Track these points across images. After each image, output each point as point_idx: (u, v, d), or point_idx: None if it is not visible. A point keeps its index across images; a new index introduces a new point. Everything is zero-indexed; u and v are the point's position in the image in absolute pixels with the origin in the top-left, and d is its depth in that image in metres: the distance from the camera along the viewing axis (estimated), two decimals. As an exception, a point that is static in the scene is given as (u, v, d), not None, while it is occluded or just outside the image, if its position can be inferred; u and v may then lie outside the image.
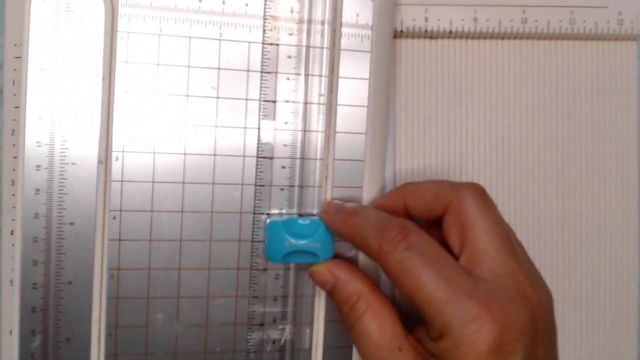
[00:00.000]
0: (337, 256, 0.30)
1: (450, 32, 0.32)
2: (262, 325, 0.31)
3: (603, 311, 0.35)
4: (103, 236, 0.29)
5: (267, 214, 0.30)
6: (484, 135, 0.34)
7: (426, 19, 0.32)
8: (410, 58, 0.33)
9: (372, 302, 0.27)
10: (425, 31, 0.32)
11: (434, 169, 0.34)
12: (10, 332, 0.29)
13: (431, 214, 0.28)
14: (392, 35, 0.32)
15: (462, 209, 0.27)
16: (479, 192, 0.27)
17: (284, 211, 0.30)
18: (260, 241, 0.30)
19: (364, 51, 0.31)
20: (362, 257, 0.31)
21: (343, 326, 0.28)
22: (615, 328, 0.35)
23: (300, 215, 0.30)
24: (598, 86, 0.34)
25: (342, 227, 0.29)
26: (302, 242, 0.29)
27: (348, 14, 0.30)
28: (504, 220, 0.27)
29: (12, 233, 0.31)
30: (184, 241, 0.30)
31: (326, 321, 0.31)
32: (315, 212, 0.31)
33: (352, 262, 0.30)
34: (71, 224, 0.29)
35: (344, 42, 0.30)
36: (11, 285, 0.30)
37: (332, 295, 0.29)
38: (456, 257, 0.26)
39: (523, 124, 0.34)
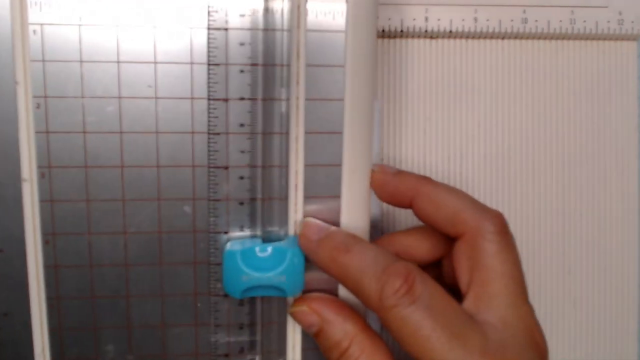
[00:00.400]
0: (309, 286, 0.26)
1: (451, 32, 0.32)
2: (227, 356, 0.27)
3: (603, 311, 0.35)
4: (36, 263, 0.25)
5: (225, 232, 0.26)
6: (484, 135, 0.33)
7: (426, 19, 0.31)
8: (410, 58, 0.32)
9: (366, 347, 0.24)
10: (426, 31, 0.32)
11: (434, 169, 0.33)
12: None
13: (440, 228, 0.25)
14: (374, 9, 0.25)
15: (479, 244, 0.24)
16: (501, 226, 0.24)
17: (246, 230, 0.26)
18: (218, 264, 0.26)
19: (337, 31, 0.25)
20: (341, 291, 0.26)
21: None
22: (615, 328, 0.35)
23: (265, 238, 0.26)
24: (598, 86, 0.34)
25: (330, 265, 0.24)
26: (264, 275, 0.25)
27: (314, -15, 0.24)
28: (519, 258, 0.25)
29: None
30: (129, 266, 0.26)
31: (303, 350, 0.27)
32: (281, 231, 0.26)
33: (338, 299, 0.26)
34: (0, 250, 0.25)
35: (311, 20, 0.24)
36: None
37: (318, 338, 0.25)
38: (462, 293, 0.24)
39: (523, 123, 0.33)
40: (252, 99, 0.25)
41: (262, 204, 0.26)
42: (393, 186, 0.25)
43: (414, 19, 0.31)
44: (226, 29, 0.24)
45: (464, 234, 0.25)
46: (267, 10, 0.24)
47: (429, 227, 0.26)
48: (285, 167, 0.25)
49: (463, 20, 0.31)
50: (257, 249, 0.25)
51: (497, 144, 0.33)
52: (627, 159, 0.34)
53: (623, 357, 0.35)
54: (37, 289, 0.26)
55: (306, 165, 0.25)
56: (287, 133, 0.25)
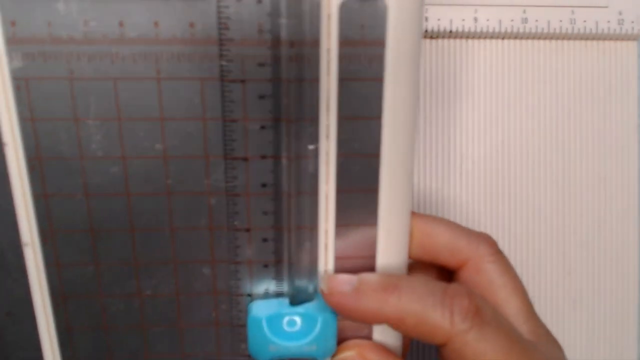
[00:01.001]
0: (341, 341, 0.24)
1: (451, 31, 0.32)
2: (253, 409, 0.26)
3: (603, 311, 0.35)
4: (48, 327, 0.24)
5: (249, 295, 0.23)
6: (484, 135, 0.33)
7: (426, 19, 0.31)
8: None
9: None
10: (426, 31, 0.32)
11: (433, 169, 0.33)
12: None
13: (439, 263, 0.25)
14: (419, 53, 0.21)
15: (485, 268, 0.24)
16: (495, 247, 0.24)
17: (270, 291, 0.23)
18: (242, 325, 0.24)
19: (373, 79, 0.21)
20: (377, 331, 0.24)
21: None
22: (615, 328, 0.35)
23: (292, 298, 0.23)
24: (598, 86, 0.34)
25: (380, 311, 0.21)
26: (292, 345, 0.23)
27: (348, 27, 0.20)
28: None
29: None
30: (146, 327, 0.24)
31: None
32: (310, 288, 0.23)
33: (380, 344, 0.24)
34: (7, 314, 0.23)
35: (344, 67, 0.20)
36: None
37: None
38: None
39: (523, 123, 0.33)
40: (275, 157, 0.21)
41: (289, 267, 0.23)
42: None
43: None
44: (243, 80, 0.20)
45: (465, 263, 0.24)
46: (290, 57, 0.20)
47: (427, 264, 0.25)
48: (314, 228, 0.22)
49: (463, 20, 0.31)
50: (284, 319, 0.23)
51: (497, 144, 0.33)
52: (627, 159, 0.34)
53: (623, 358, 0.35)
54: (52, 353, 0.24)
55: (337, 226, 0.22)
56: (317, 192, 0.22)
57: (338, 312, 0.23)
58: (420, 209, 0.34)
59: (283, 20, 0.20)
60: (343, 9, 0.20)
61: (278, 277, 0.23)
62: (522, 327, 0.23)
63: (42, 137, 0.21)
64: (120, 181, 0.22)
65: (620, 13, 0.32)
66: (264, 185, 0.22)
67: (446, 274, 0.25)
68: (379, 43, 0.20)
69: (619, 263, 0.35)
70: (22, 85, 0.20)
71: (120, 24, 0.20)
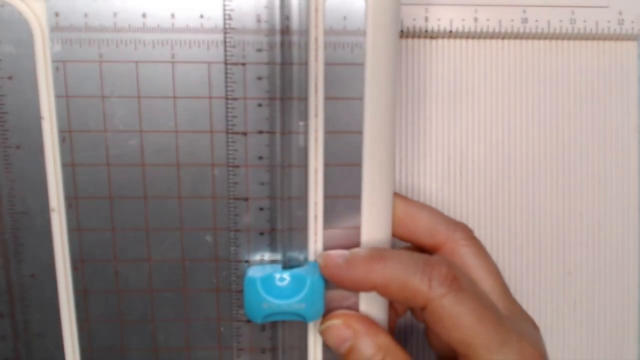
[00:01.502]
0: (328, 308, 0.26)
1: (451, 32, 0.32)
2: (250, 378, 0.28)
3: (603, 312, 0.35)
4: (66, 288, 0.27)
5: (247, 261, 0.26)
6: (484, 135, 0.33)
7: (426, 19, 0.31)
8: (410, 58, 0.33)
9: (400, 358, 0.25)
10: (426, 31, 0.32)
11: (433, 169, 0.33)
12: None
13: (418, 243, 0.27)
14: (396, 41, 0.25)
15: (458, 251, 0.26)
16: (470, 234, 0.27)
17: (265, 258, 0.26)
18: (240, 291, 0.27)
19: (356, 64, 0.24)
20: (364, 303, 0.27)
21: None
22: (615, 329, 0.35)
23: (285, 264, 0.26)
24: (598, 86, 0.34)
25: (368, 278, 0.24)
26: (283, 302, 0.25)
27: (332, 19, 0.24)
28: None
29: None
30: (155, 292, 0.27)
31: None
32: (301, 256, 0.26)
33: (365, 315, 0.26)
34: (32, 276, 0.26)
35: (330, 54, 0.24)
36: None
37: (350, 354, 0.25)
38: None
39: (523, 123, 0.34)
40: (271, 132, 0.25)
41: (283, 234, 0.26)
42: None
43: (414, 19, 0.31)
44: (244, 64, 0.24)
45: (441, 246, 0.26)
46: (283, 44, 0.24)
47: (413, 247, 0.28)
48: (304, 198, 0.26)
49: (463, 20, 0.31)
50: (276, 276, 0.25)
51: (497, 144, 0.33)
52: (627, 159, 0.34)
53: (623, 358, 0.35)
54: (69, 312, 0.27)
55: (325, 197, 0.26)
56: (306, 165, 0.25)
57: (333, 282, 0.25)
58: None
59: (277, 13, 0.24)
60: (328, 2, 0.23)
61: (272, 245, 0.26)
62: (497, 304, 0.25)
63: (73, 112, 0.25)
64: (137, 153, 0.25)
65: (620, 13, 0.32)
66: (260, 158, 0.25)
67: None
68: (360, 32, 0.24)
69: (619, 263, 0.35)
70: (60, 67, 0.24)
71: (143, 15, 0.24)
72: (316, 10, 0.24)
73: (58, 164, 0.25)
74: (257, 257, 0.26)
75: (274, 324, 0.27)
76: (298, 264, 0.26)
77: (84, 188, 0.26)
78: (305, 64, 0.24)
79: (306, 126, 0.25)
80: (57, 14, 0.24)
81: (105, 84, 0.24)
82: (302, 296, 0.25)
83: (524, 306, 0.27)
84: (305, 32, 0.24)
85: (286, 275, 0.25)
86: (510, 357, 0.23)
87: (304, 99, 0.25)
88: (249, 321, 0.27)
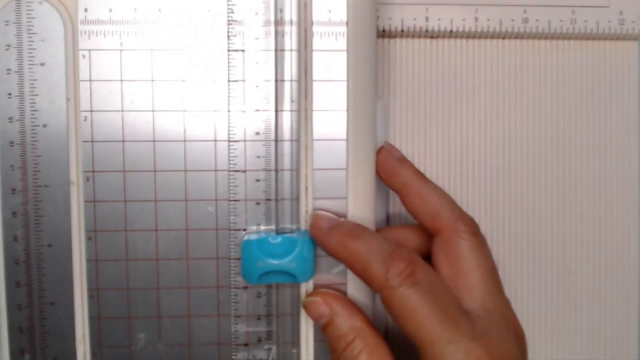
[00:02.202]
0: (319, 276, 0.29)
1: (451, 31, 0.32)
2: (246, 345, 0.30)
3: (604, 312, 0.35)
4: (80, 257, 0.29)
5: (244, 230, 0.29)
6: (485, 135, 0.34)
7: (427, 19, 0.32)
8: (411, 58, 0.33)
9: (369, 343, 0.27)
10: (426, 31, 0.32)
11: (434, 169, 0.34)
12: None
13: (421, 221, 0.29)
14: (373, 31, 0.29)
15: (454, 240, 0.27)
16: (473, 228, 0.28)
17: (261, 227, 0.29)
18: (238, 258, 0.29)
19: (340, 50, 0.28)
20: (351, 283, 0.29)
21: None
22: (616, 328, 0.35)
23: (278, 232, 0.29)
24: (599, 86, 0.34)
25: (340, 249, 0.27)
26: (276, 262, 0.28)
27: (319, 12, 0.28)
28: (492, 256, 0.28)
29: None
30: (160, 260, 0.29)
31: (315, 341, 0.30)
32: (293, 226, 0.29)
33: (347, 296, 0.29)
34: (49, 245, 0.29)
35: (317, 42, 0.28)
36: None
37: (326, 329, 0.28)
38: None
39: (524, 123, 0.34)
40: (266, 111, 0.29)
41: (276, 204, 0.29)
42: (393, 170, 0.29)
43: (415, 19, 0.32)
44: (243, 51, 0.28)
45: (441, 230, 0.28)
46: (277, 33, 0.28)
47: (419, 225, 0.29)
48: (296, 170, 0.29)
49: (464, 20, 0.32)
50: (269, 238, 0.28)
51: (497, 144, 0.34)
52: (627, 159, 0.34)
53: (623, 358, 0.35)
54: (80, 281, 0.29)
55: (315, 169, 0.29)
56: (298, 141, 0.29)
57: (315, 241, 0.28)
58: None
59: (272, 7, 0.28)
60: (314, -2, 0.28)
61: (268, 214, 0.29)
62: (475, 300, 0.26)
63: (94, 94, 0.29)
64: (149, 130, 0.29)
65: (621, 13, 0.32)
66: (257, 133, 0.29)
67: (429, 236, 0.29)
68: (342, 23, 0.28)
69: (620, 263, 0.35)
70: (85, 55, 0.28)
71: (159, 10, 0.28)
72: (305, 4, 0.28)
73: (80, 141, 0.29)
74: (253, 225, 0.29)
75: (268, 292, 0.30)
76: (290, 230, 0.29)
77: (100, 162, 0.29)
78: (296, 50, 0.28)
79: (297, 105, 0.29)
80: (86, 10, 0.28)
81: (124, 69, 0.28)
82: (294, 256, 0.28)
83: (525, 306, 0.29)
84: (296, 23, 0.28)
85: (279, 239, 0.28)
86: (457, 356, 0.24)
87: (296, 81, 0.29)
88: (245, 287, 0.30)
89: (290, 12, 0.28)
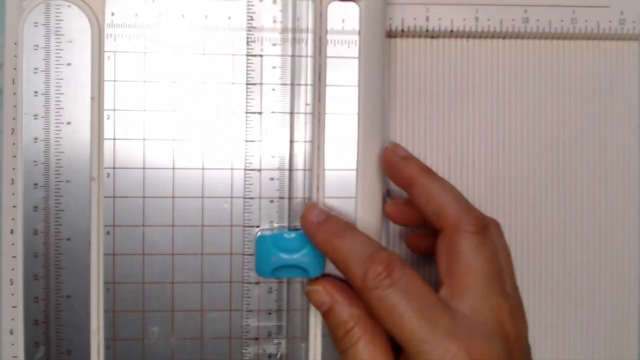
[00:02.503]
0: (328, 271, 0.30)
1: (452, 31, 0.33)
2: (257, 339, 0.31)
3: (604, 312, 0.35)
4: (98, 251, 0.30)
5: (258, 226, 0.31)
6: (485, 135, 0.34)
7: (427, 19, 0.32)
8: (411, 57, 0.34)
9: (368, 330, 0.27)
10: (427, 30, 0.33)
11: (434, 169, 0.32)
12: (12, 344, 0.31)
13: (427, 218, 0.29)
14: (383, 39, 0.31)
15: (455, 240, 0.27)
16: (479, 227, 0.27)
17: (274, 224, 0.31)
18: (251, 254, 0.31)
19: (352, 57, 0.30)
20: None
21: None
22: (616, 329, 0.35)
23: (290, 228, 0.30)
24: (600, 86, 0.34)
25: (325, 246, 0.28)
26: (290, 256, 0.29)
27: (333, 21, 0.30)
28: (499, 257, 0.28)
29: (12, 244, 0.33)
30: (176, 255, 0.31)
31: (323, 336, 0.31)
32: (305, 225, 0.30)
33: (347, 285, 0.30)
34: (68, 239, 0.30)
35: (330, 49, 0.30)
36: (12, 295, 0.32)
37: (327, 316, 0.29)
38: (440, 281, 0.28)
39: (524, 123, 0.34)
40: (282, 113, 0.30)
41: (290, 203, 0.31)
42: (397, 168, 0.30)
43: (415, 19, 0.32)
44: (261, 56, 0.30)
45: (444, 227, 0.28)
46: (294, 40, 0.30)
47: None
48: (309, 170, 0.30)
49: (464, 19, 0.32)
50: (284, 233, 0.29)
51: (497, 144, 0.34)
52: (628, 159, 0.35)
53: (623, 358, 0.35)
54: (97, 274, 0.30)
55: (327, 169, 0.30)
56: (312, 142, 0.30)
57: (305, 233, 0.29)
58: None
59: (290, 15, 0.30)
60: (330, 8, 0.30)
61: (280, 212, 0.31)
62: (464, 300, 0.26)
63: (118, 94, 0.30)
64: (170, 129, 0.30)
65: (621, 13, 0.32)
66: (273, 134, 0.30)
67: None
68: (355, 32, 0.30)
69: (620, 263, 0.35)
70: (111, 56, 0.30)
71: (182, 16, 0.30)
72: (320, 14, 0.30)
73: (102, 138, 0.30)
74: (266, 223, 0.31)
75: (279, 287, 0.31)
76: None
77: (121, 159, 0.30)
78: (311, 56, 0.30)
79: (311, 107, 0.30)
80: (112, 14, 0.30)
81: (146, 70, 0.30)
82: (306, 250, 0.29)
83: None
84: (311, 30, 0.30)
85: (293, 234, 0.30)
86: (435, 354, 0.25)
87: (310, 85, 0.30)
88: (257, 283, 0.31)
89: (307, 21, 0.30)
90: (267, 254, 0.29)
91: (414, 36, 0.34)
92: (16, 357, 0.31)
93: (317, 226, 0.29)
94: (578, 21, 0.33)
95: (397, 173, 0.30)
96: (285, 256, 0.29)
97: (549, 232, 0.35)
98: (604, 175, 0.35)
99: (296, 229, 0.30)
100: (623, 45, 0.34)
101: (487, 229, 0.28)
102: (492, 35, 0.33)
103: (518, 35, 0.33)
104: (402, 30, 0.33)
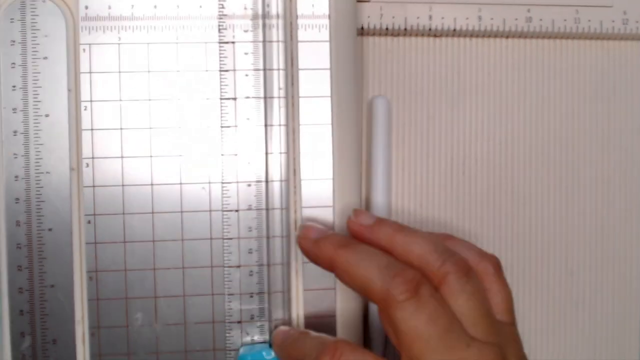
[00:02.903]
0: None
1: (455, 30, 0.33)
2: (239, 322, 0.32)
3: (605, 312, 0.35)
4: (80, 240, 0.31)
5: (236, 210, 0.31)
6: (488, 134, 0.34)
7: (430, 17, 0.33)
8: (414, 56, 0.34)
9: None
10: (430, 29, 0.33)
11: (436, 168, 0.34)
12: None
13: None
14: (354, 23, 0.32)
15: (390, 313, 0.25)
16: (410, 289, 0.25)
17: (255, 338, 0.32)
18: (231, 238, 0.31)
19: (322, 41, 0.31)
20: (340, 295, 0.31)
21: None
22: (617, 329, 0.35)
23: (271, 345, 0.31)
24: (602, 86, 0.35)
25: (331, 259, 0.27)
26: None
27: (303, 6, 0.31)
28: (445, 309, 0.25)
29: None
30: (156, 242, 0.31)
31: (305, 318, 0.31)
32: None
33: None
34: (50, 230, 0.31)
35: (301, 34, 0.31)
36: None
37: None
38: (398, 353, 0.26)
39: (527, 123, 0.34)
40: (256, 97, 0.31)
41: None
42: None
43: (418, 17, 0.32)
44: (233, 42, 0.31)
45: (377, 302, 0.26)
46: (265, 26, 0.31)
47: None
48: (285, 153, 0.31)
49: (467, 18, 0.32)
50: (263, 351, 0.30)
51: (500, 143, 0.34)
52: (631, 159, 0.35)
53: (625, 358, 0.35)
54: (80, 263, 0.31)
55: (301, 154, 0.31)
56: (286, 125, 0.31)
57: (303, 252, 0.29)
58: (424, 207, 0.35)
59: (260, 1, 0.31)
60: (299, -7, 0.31)
61: (259, 196, 0.31)
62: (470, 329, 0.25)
63: (94, 85, 0.31)
64: (146, 118, 0.31)
65: (624, 13, 0.33)
66: (248, 119, 0.31)
67: None
68: (325, 16, 0.31)
69: (622, 264, 0.35)
70: (86, 49, 0.31)
71: (155, 7, 0.31)
72: (290, 0, 0.31)
73: (80, 129, 0.31)
74: (245, 206, 0.31)
75: (260, 270, 0.32)
76: None
77: (99, 149, 0.31)
78: (282, 41, 0.31)
79: (285, 90, 0.31)
80: (86, 7, 0.30)
81: (122, 60, 0.31)
82: None
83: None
84: (282, 16, 0.31)
85: (272, 352, 0.30)
86: None
87: (283, 70, 0.31)
88: (238, 266, 0.31)
89: (277, 7, 0.31)
90: None
91: (416, 35, 0.34)
92: (1, 347, 0.32)
93: (317, 242, 0.28)
94: (581, 21, 0.33)
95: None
96: None
97: (551, 231, 0.35)
98: (607, 175, 0.35)
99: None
100: (626, 45, 0.35)
101: (419, 287, 0.25)
102: (495, 35, 0.33)
103: (521, 35, 0.33)
104: (405, 29, 0.33)
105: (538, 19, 0.33)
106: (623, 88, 0.35)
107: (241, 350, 0.31)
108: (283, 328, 0.31)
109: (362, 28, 0.33)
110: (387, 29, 0.33)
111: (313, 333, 0.28)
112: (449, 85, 0.34)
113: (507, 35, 0.33)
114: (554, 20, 0.33)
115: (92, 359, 0.31)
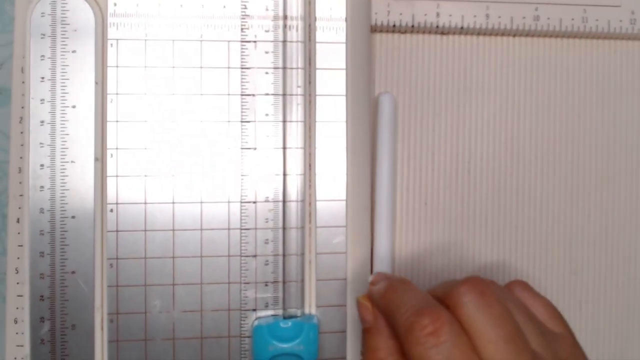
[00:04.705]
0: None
1: (462, 28, 0.33)
2: (254, 310, 0.33)
3: (609, 311, 0.36)
4: (102, 228, 0.32)
5: (254, 202, 0.33)
6: (493, 133, 0.35)
7: (438, 15, 0.33)
8: (421, 53, 0.35)
9: None
10: (437, 27, 0.33)
11: (442, 165, 0.35)
12: (15, 321, 0.33)
13: None
14: (368, 26, 0.34)
15: (459, 316, 0.25)
16: (476, 289, 0.26)
17: (270, 311, 0.33)
18: (248, 229, 0.33)
19: (339, 42, 0.33)
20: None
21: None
22: (621, 328, 0.36)
23: (285, 317, 0.33)
24: (609, 85, 0.35)
25: (379, 299, 0.29)
26: (286, 345, 0.32)
27: (322, 9, 0.33)
28: (507, 309, 0.26)
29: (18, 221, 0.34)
30: (176, 231, 0.32)
31: (317, 307, 0.33)
32: (298, 311, 0.33)
33: None
34: (73, 217, 0.32)
35: (319, 35, 0.33)
36: (16, 273, 0.34)
37: (364, 334, 0.29)
38: None
39: (533, 122, 0.35)
40: (275, 95, 0.33)
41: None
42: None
43: (425, 14, 0.33)
44: (255, 42, 0.32)
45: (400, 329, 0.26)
46: (285, 27, 0.32)
47: None
48: (301, 149, 0.33)
49: (475, 16, 0.33)
50: (280, 323, 0.32)
51: (505, 142, 0.34)
52: (636, 159, 0.35)
53: (628, 358, 0.36)
54: (101, 251, 0.32)
55: (317, 148, 0.33)
56: (303, 121, 0.33)
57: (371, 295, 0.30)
58: (428, 206, 0.35)
59: (281, 3, 0.32)
60: (318, -4, 0.33)
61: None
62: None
63: (120, 79, 0.32)
64: (171, 112, 0.32)
65: (632, 12, 0.33)
66: (266, 115, 0.33)
67: None
68: (342, 19, 0.33)
69: (626, 263, 0.35)
70: (114, 44, 0.32)
71: (181, 6, 0.32)
72: (309, 2, 0.33)
73: (106, 121, 0.32)
74: (262, 198, 0.33)
75: (275, 260, 0.33)
76: (296, 315, 0.33)
77: (124, 140, 0.32)
78: (301, 42, 0.33)
79: (303, 88, 0.33)
80: (115, 4, 0.32)
81: (147, 56, 0.32)
82: (301, 339, 0.32)
83: None
84: (302, 18, 0.33)
85: (289, 323, 0.32)
86: None
87: (301, 68, 0.33)
88: (254, 256, 0.33)
89: (297, 8, 0.33)
90: (265, 343, 0.32)
91: (424, 32, 0.34)
92: (22, 333, 0.33)
93: (377, 287, 0.29)
94: (589, 20, 0.33)
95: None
96: (281, 345, 0.32)
97: (555, 230, 0.35)
98: (612, 175, 0.35)
99: (290, 317, 0.33)
100: (633, 45, 0.35)
101: (481, 284, 0.26)
102: (503, 33, 0.34)
103: (528, 33, 0.34)
104: (413, 26, 0.33)
105: (546, 18, 0.33)
106: (630, 87, 0.35)
107: (256, 322, 0.32)
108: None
109: (370, 25, 0.34)
110: (394, 25, 0.33)
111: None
112: (456, 83, 0.34)
113: (515, 33, 0.34)
114: (561, 19, 0.33)
115: (110, 344, 0.32)
